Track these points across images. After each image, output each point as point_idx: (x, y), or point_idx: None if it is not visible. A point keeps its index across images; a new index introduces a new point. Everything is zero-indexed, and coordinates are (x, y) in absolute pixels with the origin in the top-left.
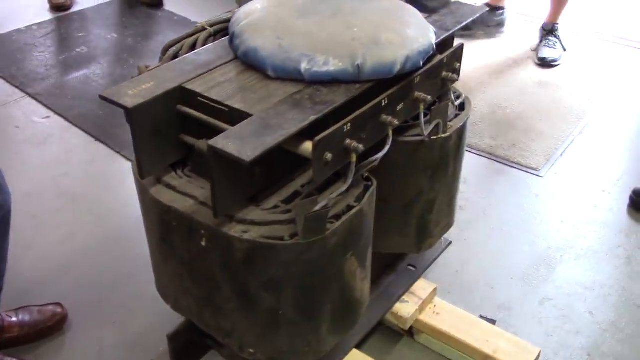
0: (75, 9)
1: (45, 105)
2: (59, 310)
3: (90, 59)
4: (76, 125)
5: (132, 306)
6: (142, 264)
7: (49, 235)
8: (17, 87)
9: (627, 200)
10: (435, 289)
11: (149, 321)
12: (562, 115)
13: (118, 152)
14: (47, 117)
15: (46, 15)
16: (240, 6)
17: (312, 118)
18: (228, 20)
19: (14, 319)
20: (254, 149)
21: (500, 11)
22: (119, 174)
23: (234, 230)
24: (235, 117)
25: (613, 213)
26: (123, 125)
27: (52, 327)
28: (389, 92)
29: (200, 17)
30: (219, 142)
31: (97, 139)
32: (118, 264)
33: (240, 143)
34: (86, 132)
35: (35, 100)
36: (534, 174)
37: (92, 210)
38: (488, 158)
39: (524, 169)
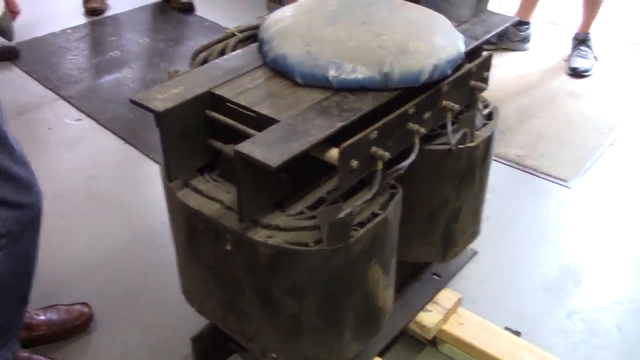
0: (108, 13)
1: (78, 108)
2: (85, 310)
3: (122, 62)
4: (107, 128)
5: (157, 308)
6: (168, 266)
7: (77, 236)
8: (50, 89)
9: None
10: (459, 299)
11: (174, 324)
12: (592, 126)
13: (147, 155)
14: (79, 119)
15: (80, 19)
16: (271, 12)
17: (339, 125)
18: (257, 27)
19: (42, 317)
20: (280, 155)
21: (526, 26)
22: (148, 177)
23: (259, 235)
24: (262, 122)
25: None
26: (153, 128)
27: (78, 326)
28: (416, 100)
29: (230, 22)
30: (246, 147)
31: (127, 142)
32: (144, 266)
33: (266, 149)
34: (117, 134)
35: (68, 102)
36: (562, 185)
37: (120, 213)
38: (516, 168)
39: (553, 179)
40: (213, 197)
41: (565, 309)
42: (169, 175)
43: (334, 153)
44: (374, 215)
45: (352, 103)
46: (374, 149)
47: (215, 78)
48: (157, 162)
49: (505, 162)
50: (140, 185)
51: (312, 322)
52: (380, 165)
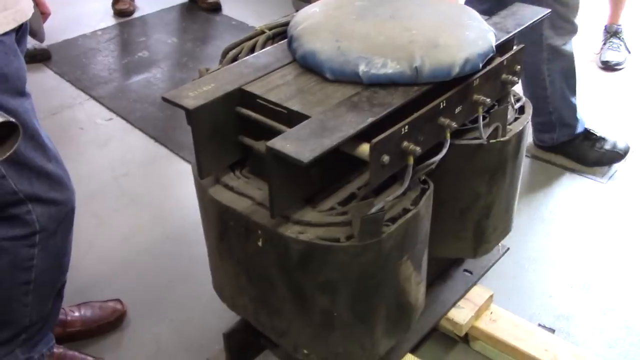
0: (137, 14)
1: (108, 108)
2: (118, 306)
3: (151, 62)
4: (137, 127)
5: (189, 305)
6: (199, 264)
7: (109, 234)
8: (82, 90)
9: None
10: (491, 296)
11: (205, 320)
12: (626, 120)
13: (177, 154)
14: (110, 119)
15: (110, 21)
16: (297, 10)
17: (370, 120)
18: (286, 24)
19: (77, 313)
20: (312, 150)
21: None
22: (178, 175)
23: (290, 231)
24: (293, 118)
25: None
26: (182, 127)
27: (112, 322)
28: (447, 94)
29: (257, 21)
30: (277, 143)
31: (157, 141)
32: (176, 263)
33: (298, 144)
34: (147, 133)
35: (98, 102)
36: (595, 180)
37: (151, 211)
38: (548, 163)
39: (585, 174)
40: (244, 194)
41: (600, 306)
42: (200, 172)
43: (364, 148)
44: (405, 210)
45: (383, 98)
46: (405, 143)
47: (245, 75)
48: (187, 160)
49: (537, 157)
50: (171, 183)
51: (344, 318)
52: (411, 160)
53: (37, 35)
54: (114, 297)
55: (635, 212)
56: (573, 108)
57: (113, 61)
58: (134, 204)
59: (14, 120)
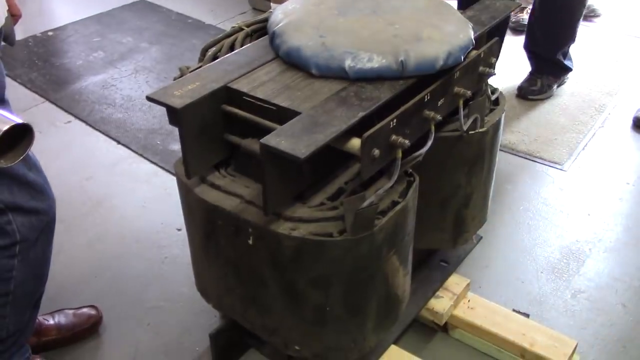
0: (89, 14)
1: (66, 110)
2: (93, 312)
3: (107, 63)
4: (98, 129)
5: (166, 307)
6: (172, 265)
7: (78, 239)
8: (36, 92)
9: None
10: (468, 284)
11: (184, 322)
12: (582, 109)
13: (141, 155)
14: (69, 122)
15: (59, 21)
16: (253, 7)
17: (361, 114)
18: (264, 21)
19: (51, 322)
20: (307, 146)
21: None
22: (143, 176)
23: (282, 228)
24: (282, 115)
25: (639, 205)
26: (144, 128)
27: (88, 329)
28: (432, 87)
29: (213, 19)
30: (272, 140)
31: (119, 142)
32: (148, 266)
33: (293, 141)
34: (108, 135)
35: (55, 105)
36: (557, 168)
37: (118, 213)
38: (510, 153)
39: (547, 163)
40: (232, 192)
41: (570, 289)
42: (187, 172)
43: (355, 143)
44: (394, 203)
45: (370, 92)
46: (393, 137)
47: (229, 72)
48: (151, 161)
49: (500, 148)
50: (137, 184)
51: (336, 312)
52: (399, 154)
53: (9, 38)
54: (87, 303)
55: (596, 196)
56: None
57: (67, 62)
58: (101, 207)
59: (28, 123)
